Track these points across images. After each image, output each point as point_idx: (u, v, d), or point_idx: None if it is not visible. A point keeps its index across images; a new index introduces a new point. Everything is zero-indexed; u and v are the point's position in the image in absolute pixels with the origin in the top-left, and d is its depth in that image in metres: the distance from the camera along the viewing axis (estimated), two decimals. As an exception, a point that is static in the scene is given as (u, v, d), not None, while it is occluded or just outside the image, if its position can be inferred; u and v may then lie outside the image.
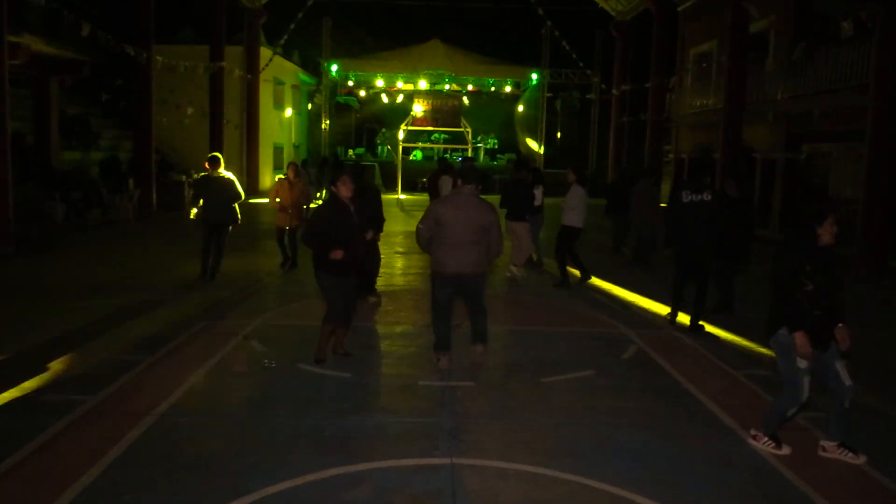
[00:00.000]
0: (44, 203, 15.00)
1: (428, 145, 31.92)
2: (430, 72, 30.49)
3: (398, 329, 7.70)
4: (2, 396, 5.32)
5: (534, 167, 12.11)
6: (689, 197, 7.61)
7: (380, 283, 9.82)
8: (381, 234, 8.88)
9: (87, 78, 18.11)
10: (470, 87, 31.86)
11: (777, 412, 4.65)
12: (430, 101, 27.14)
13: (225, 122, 23.57)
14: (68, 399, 5.20)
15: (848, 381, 4.45)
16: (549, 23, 26.11)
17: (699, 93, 21.27)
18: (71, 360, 6.25)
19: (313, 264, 6.12)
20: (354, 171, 9.11)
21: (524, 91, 32.84)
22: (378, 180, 26.45)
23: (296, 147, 32.27)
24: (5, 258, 11.39)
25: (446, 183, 12.23)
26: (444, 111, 26.48)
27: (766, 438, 4.68)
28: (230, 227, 9.91)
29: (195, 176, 20.96)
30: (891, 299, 10.61)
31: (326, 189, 7.78)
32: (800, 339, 4.36)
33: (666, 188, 18.49)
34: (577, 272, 10.39)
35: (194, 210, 9.87)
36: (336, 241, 5.87)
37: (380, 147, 33.84)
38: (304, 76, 32.95)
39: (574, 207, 10.10)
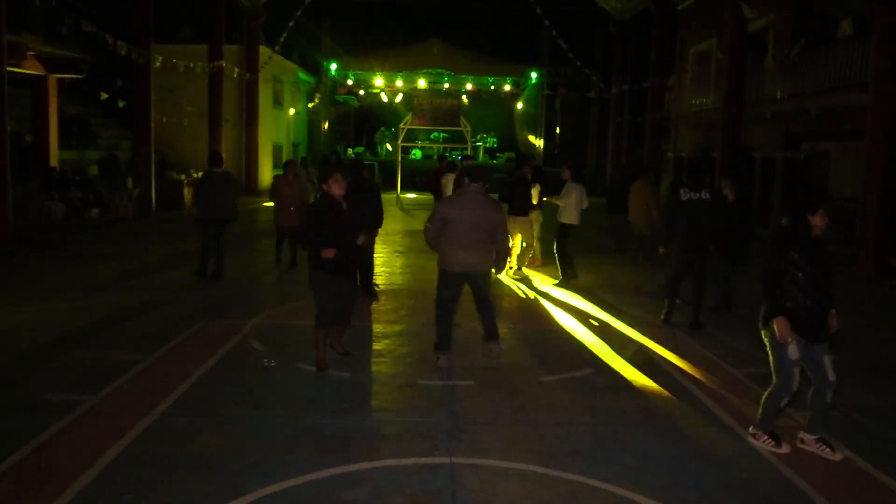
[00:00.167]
0: (43, 202, 15.00)
1: (427, 144, 31.93)
2: (430, 71, 30.48)
3: (397, 328, 7.70)
4: (2, 396, 5.32)
5: (534, 165, 12.16)
6: (688, 195, 7.65)
7: (379, 281, 9.83)
8: (381, 234, 8.88)
9: (86, 77, 18.09)
10: (469, 86, 31.86)
11: (771, 406, 4.67)
12: (430, 100, 27.11)
13: (224, 121, 23.55)
14: (68, 399, 5.19)
15: (832, 377, 4.49)
16: (546, 22, 26.12)
17: (698, 92, 21.28)
18: (71, 359, 6.24)
19: (308, 263, 6.09)
20: (355, 169, 9.13)
21: (524, 90, 32.85)
22: (378, 179, 26.44)
23: (295, 146, 32.26)
24: (4, 257, 11.38)
25: (450, 181, 12.27)
26: (444, 110, 26.44)
27: (765, 437, 4.69)
28: (228, 224, 9.89)
29: (194, 175, 21.00)
30: (891, 299, 10.61)
31: (318, 188, 7.78)
32: (779, 323, 4.41)
33: (665, 187, 18.48)
34: (565, 269, 10.45)
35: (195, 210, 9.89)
36: (328, 239, 5.83)
37: (379, 146, 33.84)
38: (303, 75, 32.93)
39: (569, 205, 10.23)
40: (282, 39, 25.87)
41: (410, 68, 30.57)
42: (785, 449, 4.62)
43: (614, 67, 27.66)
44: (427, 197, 21.31)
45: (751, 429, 4.80)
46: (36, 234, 12.83)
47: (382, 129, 34.22)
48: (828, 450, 4.56)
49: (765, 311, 4.58)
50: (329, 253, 5.75)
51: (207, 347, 6.65)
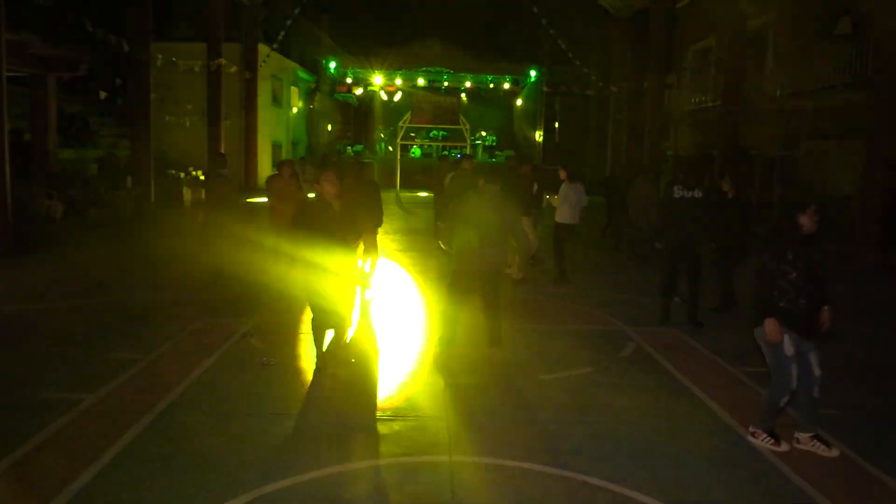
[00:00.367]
0: (42, 201, 14.99)
1: (427, 142, 31.94)
2: (429, 69, 30.49)
3: (397, 327, 7.70)
4: (2, 396, 5.32)
5: (534, 164, 12.18)
6: (681, 193, 7.68)
7: (378, 281, 9.81)
8: (380, 232, 8.88)
9: (84, 75, 18.08)
10: (468, 84, 31.88)
11: (770, 405, 4.67)
12: (429, 99, 27.17)
13: (223, 119, 23.52)
14: (68, 398, 5.19)
15: (818, 372, 4.52)
16: (544, 21, 26.14)
17: (697, 90, 21.27)
18: (70, 359, 6.23)
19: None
20: (355, 167, 9.14)
21: (523, 88, 32.85)
22: (377, 177, 26.41)
23: (294, 144, 32.24)
24: (3, 256, 11.36)
25: (451, 180, 12.24)
26: (443, 108, 26.50)
27: (764, 435, 4.69)
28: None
29: (193, 173, 20.99)
30: (890, 297, 10.61)
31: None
32: (769, 325, 4.44)
33: (664, 185, 18.48)
34: (562, 268, 10.45)
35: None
36: (319, 238, 5.77)
37: (378, 144, 33.83)
38: (302, 73, 32.90)
39: (564, 204, 10.24)
40: (280, 37, 25.85)
41: (410, 66, 30.58)
42: (784, 447, 4.62)
43: (613, 65, 27.62)
44: (428, 196, 21.29)
45: (750, 427, 4.81)
46: (35, 233, 12.80)
47: (381, 127, 34.22)
48: (823, 446, 4.57)
49: (757, 312, 4.60)
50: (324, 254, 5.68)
51: (207, 346, 6.65)
